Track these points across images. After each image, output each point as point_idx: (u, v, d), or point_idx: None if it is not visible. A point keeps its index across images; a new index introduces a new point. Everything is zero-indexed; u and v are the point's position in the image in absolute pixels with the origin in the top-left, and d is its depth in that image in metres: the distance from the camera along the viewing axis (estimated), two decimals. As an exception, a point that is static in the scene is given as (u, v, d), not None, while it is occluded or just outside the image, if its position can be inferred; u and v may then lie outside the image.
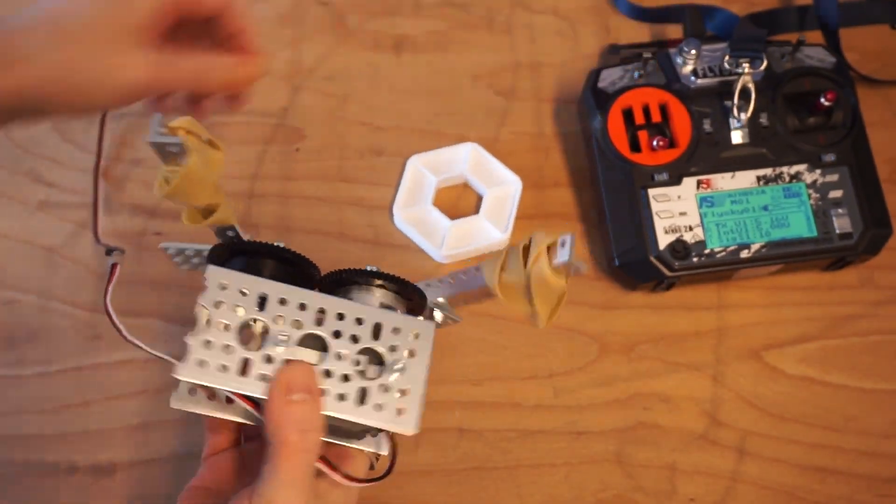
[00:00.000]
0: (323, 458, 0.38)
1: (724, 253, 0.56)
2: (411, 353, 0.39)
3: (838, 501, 0.55)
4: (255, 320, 0.38)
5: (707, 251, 0.56)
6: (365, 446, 0.41)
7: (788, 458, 0.56)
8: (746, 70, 0.58)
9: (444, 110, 0.64)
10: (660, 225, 0.56)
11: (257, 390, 0.37)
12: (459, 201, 0.61)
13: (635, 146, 0.58)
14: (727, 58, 0.58)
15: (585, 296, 0.59)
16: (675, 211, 0.57)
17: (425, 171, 0.60)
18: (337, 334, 0.39)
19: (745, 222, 0.57)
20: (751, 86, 0.57)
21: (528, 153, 0.62)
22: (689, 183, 0.57)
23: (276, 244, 0.40)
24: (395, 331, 0.39)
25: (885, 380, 0.58)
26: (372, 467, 0.42)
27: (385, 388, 0.38)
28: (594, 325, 0.58)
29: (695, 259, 0.56)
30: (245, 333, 0.38)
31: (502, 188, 0.60)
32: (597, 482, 0.54)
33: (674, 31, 0.66)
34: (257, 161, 0.61)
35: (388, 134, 0.63)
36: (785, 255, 0.57)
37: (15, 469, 0.53)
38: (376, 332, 0.39)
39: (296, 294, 0.38)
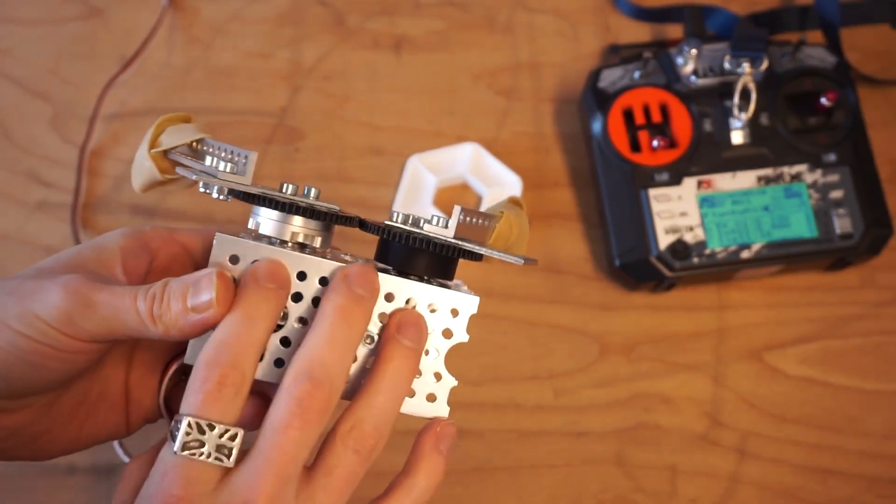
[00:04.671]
0: None
1: (724, 253, 0.56)
2: (447, 334, 0.36)
3: (839, 502, 0.54)
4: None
5: (707, 251, 0.56)
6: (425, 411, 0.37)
7: (789, 458, 0.55)
8: (747, 70, 0.57)
9: (444, 110, 0.64)
10: (660, 225, 0.56)
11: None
12: (459, 201, 0.61)
13: (635, 146, 0.58)
14: (728, 57, 0.58)
15: (586, 296, 0.59)
16: (676, 211, 0.56)
17: (425, 171, 0.60)
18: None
19: (745, 222, 0.57)
20: (751, 86, 0.57)
21: (528, 153, 0.62)
22: (690, 183, 0.57)
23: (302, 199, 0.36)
24: (431, 308, 0.36)
25: (887, 380, 0.58)
26: None
27: (418, 373, 0.36)
28: (594, 325, 0.58)
29: (695, 259, 0.56)
30: None
31: (502, 188, 0.60)
32: (597, 483, 0.54)
33: (674, 30, 0.66)
34: (257, 161, 0.61)
35: (388, 134, 0.63)
36: (786, 256, 0.56)
37: (15, 469, 0.53)
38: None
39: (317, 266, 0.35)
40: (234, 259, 0.35)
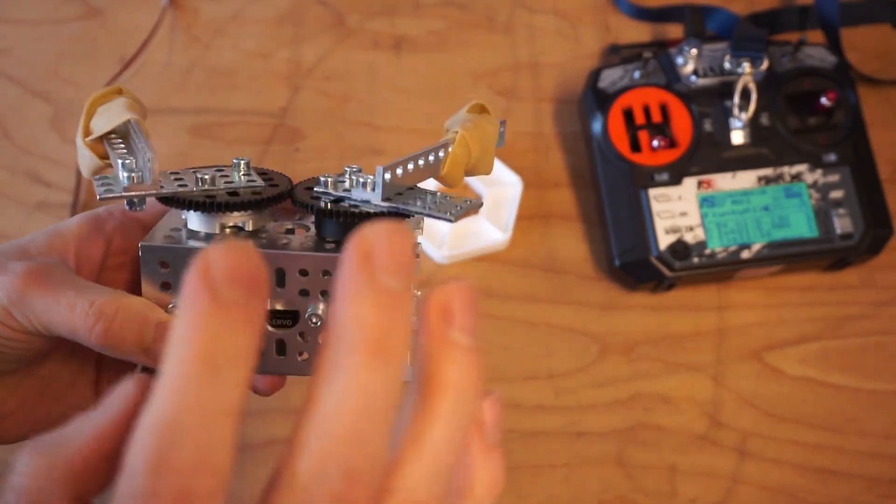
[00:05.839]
0: None
1: (724, 253, 0.56)
2: None
3: (839, 502, 0.54)
4: None
5: (708, 251, 0.56)
6: None
7: (789, 458, 0.55)
8: (747, 70, 0.57)
9: (444, 110, 0.64)
10: (660, 225, 0.56)
11: None
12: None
13: (635, 146, 0.58)
14: (728, 57, 0.58)
15: (586, 296, 0.59)
16: (676, 211, 0.56)
17: (425, 172, 0.60)
18: (304, 293, 0.34)
19: (745, 222, 0.57)
20: (752, 86, 0.57)
21: (528, 153, 0.62)
22: (690, 183, 0.57)
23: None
24: None
25: (886, 380, 0.58)
26: None
27: None
28: (594, 325, 0.58)
29: (695, 259, 0.56)
30: None
31: (502, 188, 0.60)
32: (597, 483, 0.54)
33: (674, 30, 0.66)
34: (257, 161, 0.61)
35: (388, 134, 0.63)
36: (786, 256, 0.56)
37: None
38: None
39: None
40: (164, 264, 0.33)
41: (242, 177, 0.35)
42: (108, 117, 0.34)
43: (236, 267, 0.19)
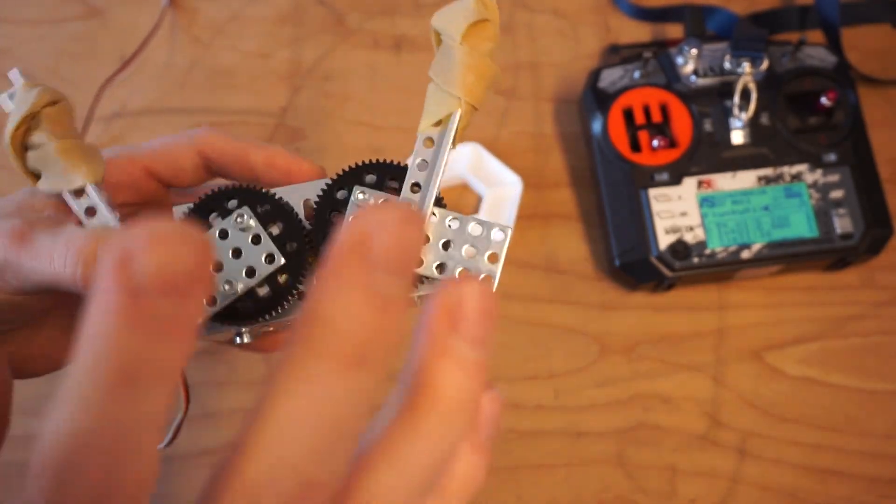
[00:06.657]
0: None
1: (724, 253, 0.56)
2: None
3: (839, 502, 0.54)
4: None
5: (708, 251, 0.56)
6: None
7: (789, 458, 0.55)
8: (747, 70, 0.57)
9: (444, 110, 0.63)
10: (660, 225, 0.56)
11: None
12: (459, 201, 0.61)
13: (635, 146, 0.58)
14: (728, 57, 0.58)
15: (586, 296, 0.59)
16: (676, 211, 0.56)
17: (425, 172, 0.60)
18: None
19: (745, 222, 0.57)
20: (752, 85, 0.57)
21: (528, 153, 0.62)
22: (690, 183, 0.57)
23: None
24: None
25: (887, 380, 0.58)
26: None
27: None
28: (594, 325, 0.58)
29: (695, 259, 0.56)
30: None
31: (502, 188, 0.60)
32: (597, 483, 0.54)
33: (674, 30, 0.66)
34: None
35: (388, 134, 0.63)
36: (786, 256, 0.56)
37: (15, 469, 0.53)
38: None
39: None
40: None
41: (251, 242, 0.31)
42: (51, 179, 0.31)
43: (165, 264, 0.14)
